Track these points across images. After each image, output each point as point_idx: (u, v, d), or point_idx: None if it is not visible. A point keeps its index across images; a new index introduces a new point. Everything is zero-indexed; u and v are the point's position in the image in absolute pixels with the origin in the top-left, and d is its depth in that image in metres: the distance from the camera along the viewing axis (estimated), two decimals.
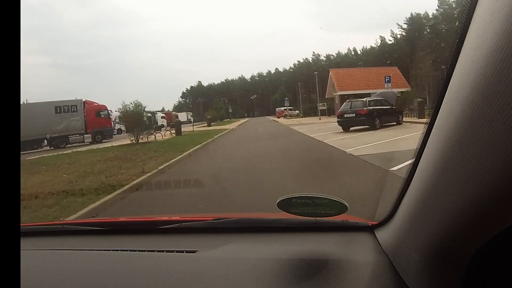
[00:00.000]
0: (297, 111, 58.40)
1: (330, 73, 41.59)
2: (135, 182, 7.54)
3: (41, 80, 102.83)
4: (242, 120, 62.46)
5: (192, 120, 71.55)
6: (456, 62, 0.56)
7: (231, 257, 1.13)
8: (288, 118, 50.19)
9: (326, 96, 44.28)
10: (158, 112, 67.12)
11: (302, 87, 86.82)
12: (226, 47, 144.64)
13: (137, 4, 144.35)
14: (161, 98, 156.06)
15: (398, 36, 77.13)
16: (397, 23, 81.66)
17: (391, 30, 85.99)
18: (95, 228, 1.49)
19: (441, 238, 0.61)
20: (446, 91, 0.58)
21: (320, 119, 34.08)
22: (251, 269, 1.02)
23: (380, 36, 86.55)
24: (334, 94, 40.58)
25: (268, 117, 72.92)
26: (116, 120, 48.46)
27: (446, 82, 0.58)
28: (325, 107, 46.35)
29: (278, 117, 55.66)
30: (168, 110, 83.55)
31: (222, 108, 72.87)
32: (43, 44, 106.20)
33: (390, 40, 78.63)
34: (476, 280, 0.65)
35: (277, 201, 1.07)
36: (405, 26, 74.31)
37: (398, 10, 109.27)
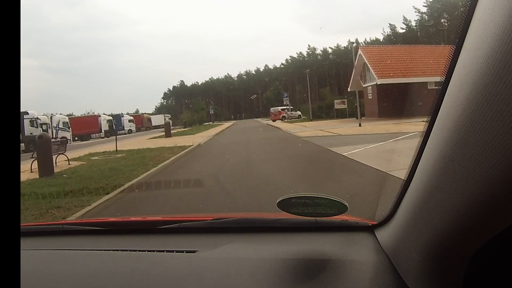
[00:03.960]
0: (299, 112, 44.42)
1: (359, 54, 27.27)
2: None
3: (28, 83, 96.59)
4: (226, 124, 48.68)
5: (170, 124, 58.85)
6: (456, 62, 0.55)
7: (231, 257, 1.12)
8: (287, 122, 36.12)
9: (349, 89, 30.18)
10: (124, 115, 53.48)
11: (302, 83, 74.38)
12: (217, 48, 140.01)
13: (126, 6, 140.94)
14: (153, 101, 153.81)
15: (413, 22, 64.52)
16: (413, 6, 69.07)
17: (404, 17, 72.78)
18: (95, 228, 1.48)
19: (441, 238, 0.61)
20: (446, 91, 0.58)
21: (360, 124, 19.31)
22: (251, 269, 1.02)
23: (390, 24, 73.60)
24: (367, 85, 26.51)
25: (258, 119, 58.79)
26: (59, 126, 34.27)
27: (446, 82, 0.58)
28: (344, 106, 32.34)
29: (274, 120, 41.27)
30: (151, 113, 70.74)
31: (203, 109, 59.70)
32: (30, 46, 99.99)
33: (403, 28, 65.91)
34: (477, 280, 0.64)
35: (277, 201, 1.06)
36: (424, 9, 61.68)
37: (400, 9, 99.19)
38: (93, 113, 52.62)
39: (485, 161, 0.46)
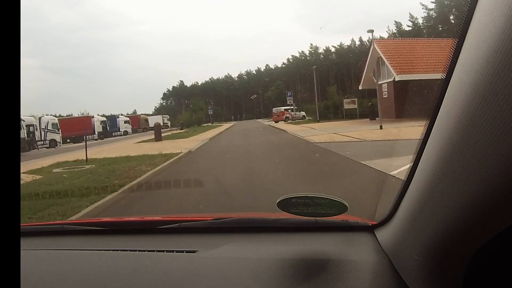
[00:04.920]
0: (303, 112, 41.73)
1: (373, 47, 24.29)
2: None
3: (29, 83, 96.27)
4: (226, 125, 46.15)
5: (169, 125, 56.86)
6: (456, 62, 0.55)
7: (231, 257, 1.12)
8: (290, 123, 33.42)
9: (360, 87, 27.40)
10: (120, 116, 51.03)
11: (304, 82, 71.91)
12: (217, 48, 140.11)
13: (126, 6, 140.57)
14: (152, 101, 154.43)
15: (420, 19, 61.76)
16: (420, 3, 66.17)
17: (410, 14, 70.13)
18: (95, 228, 1.47)
19: (441, 238, 0.61)
20: (446, 91, 0.58)
21: (381, 127, 16.24)
22: (251, 269, 1.01)
23: (396, 21, 70.81)
24: (381, 82, 23.74)
25: (259, 120, 56.43)
26: (48, 128, 31.91)
27: (446, 82, 0.58)
28: (354, 106, 29.59)
29: (276, 121, 38.49)
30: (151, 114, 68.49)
31: (202, 110, 57.29)
32: (30, 46, 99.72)
33: (409, 26, 63.09)
34: (477, 280, 0.64)
35: (277, 201, 1.05)
36: (432, 5, 58.94)
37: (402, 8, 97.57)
38: (88, 113, 50.32)
39: (485, 161, 0.46)
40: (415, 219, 0.71)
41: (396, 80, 20.90)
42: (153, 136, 23.20)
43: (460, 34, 0.54)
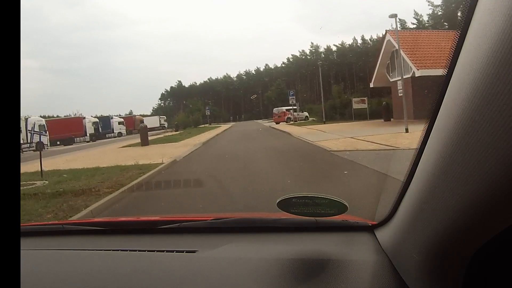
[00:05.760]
0: (306, 113, 39.28)
1: (387, 40, 22.00)
2: None
3: (29, 84, 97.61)
4: (224, 126, 43.66)
5: (166, 126, 54.66)
6: (456, 62, 0.56)
7: (231, 257, 1.11)
8: (293, 124, 30.96)
9: (372, 84, 24.90)
10: (114, 117, 48.74)
11: (304, 82, 69.83)
12: (217, 48, 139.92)
13: (126, 6, 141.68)
14: (152, 101, 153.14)
15: (426, 16, 59.32)
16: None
17: (414, 11, 67.82)
18: (95, 228, 1.47)
19: (441, 238, 0.61)
20: (446, 91, 0.58)
21: (407, 130, 13.10)
22: (251, 269, 1.01)
23: (400, 19, 68.49)
24: (396, 79, 21.26)
25: (259, 121, 53.98)
26: (34, 129, 29.45)
27: (446, 82, 0.58)
28: (364, 105, 27.12)
29: (277, 122, 36.03)
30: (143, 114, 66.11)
31: (199, 110, 55.12)
32: (30, 47, 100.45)
33: (414, 24, 60.64)
34: (477, 280, 0.64)
35: (277, 201, 1.05)
36: (438, 1, 56.56)
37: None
38: (80, 114, 48.07)
39: (485, 161, 0.46)
40: (415, 219, 0.71)
41: (416, 76, 18.42)
42: (140, 140, 20.68)
43: (460, 34, 0.54)
